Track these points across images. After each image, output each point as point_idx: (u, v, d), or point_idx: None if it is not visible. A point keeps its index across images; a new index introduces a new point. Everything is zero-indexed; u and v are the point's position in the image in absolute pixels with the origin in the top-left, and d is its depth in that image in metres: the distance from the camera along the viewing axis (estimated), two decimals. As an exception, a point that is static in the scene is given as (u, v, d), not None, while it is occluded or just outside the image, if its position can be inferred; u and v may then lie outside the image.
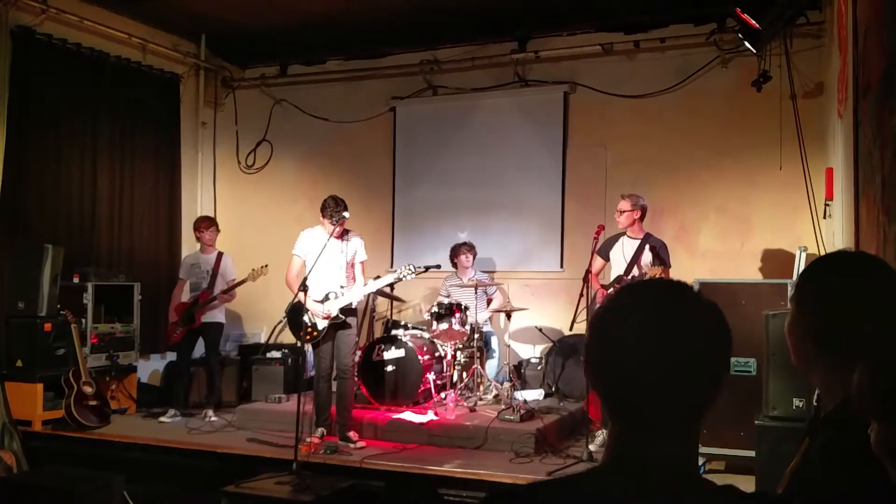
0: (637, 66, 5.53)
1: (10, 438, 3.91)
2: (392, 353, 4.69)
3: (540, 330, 5.49)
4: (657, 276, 3.84)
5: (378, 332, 5.42)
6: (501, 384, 4.91)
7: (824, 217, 4.18)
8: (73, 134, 5.39)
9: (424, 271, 4.54)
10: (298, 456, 3.57)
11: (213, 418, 4.79)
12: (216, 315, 5.11)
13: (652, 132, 5.41)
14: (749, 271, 5.06)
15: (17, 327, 4.70)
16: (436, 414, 4.39)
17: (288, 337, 5.28)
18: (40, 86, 5.10)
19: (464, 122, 5.97)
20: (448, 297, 5.26)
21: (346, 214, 4.09)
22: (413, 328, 5.13)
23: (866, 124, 2.47)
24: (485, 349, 5.09)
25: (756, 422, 3.04)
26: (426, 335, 4.95)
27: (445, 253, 5.49)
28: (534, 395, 4.86)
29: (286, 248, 4.34)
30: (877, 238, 2.22)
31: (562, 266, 5.63)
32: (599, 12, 5.37)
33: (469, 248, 5.38)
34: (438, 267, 5.11)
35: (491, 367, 5.28)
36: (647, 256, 4.21)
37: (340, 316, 4.10)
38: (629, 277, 4.19)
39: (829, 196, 3.98)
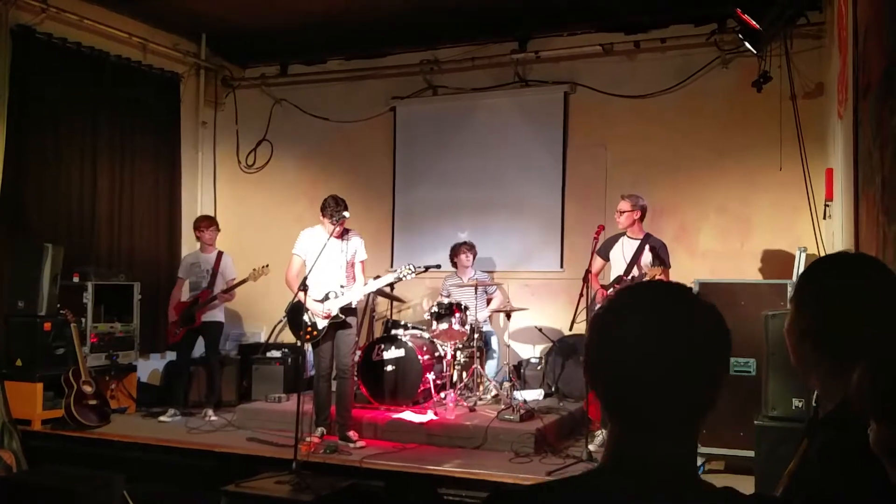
0: (637, 67, 5.53)
1: (9, 438, 3.91)
2: (392, 353, 4.70)
3: (540, 330, 5.49)
4: (657, 276, 3.85)
5: (378, 331, 5.42)
6: (501, 384, 4.91)
7: (824, 217, 4.18)
8: (73, 133, 5.39)
9: (424, 271, 4.55)
10: (298, 455, 3.57)
11: (213, 418, 4.79)
12: (216, 314, 5.11)
13: (652, 132, 5.41)
14: (749, 272, 5.07)
15: (17, 327, 4.70)
16: (435, 414, 4.39)
17: (288, 336, 5.28)
18: (40, 85, 5.10)
19: (464, 122, 5.97)
20: (448, 296, 5.26)
21: (346, 214, 4.09)
22: (413, 328, 5.14)
23: (866, 124, 2.47)
24: (485, 349, 5.09)
25: (755, 422, 3.04)
26: (426, 335, 4.95)
27: (445, 253, 5.49)
28: (533, 394, 4.86)
29: (286, 248, 4.34)
30: (876, 238, 2.22)
31: (562, 266, 5.63)
32: (599, 12, 5.37)
33: (469, 247, 5.38)
34: (438, 267, 5.12)
35: (491, 367, 5.28)
36: (646, 257, 4.21)
37: (340, 315, 4.10)
38: (629, 278, 4.19)
39: (829, 196, 3.98)
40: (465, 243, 5.41)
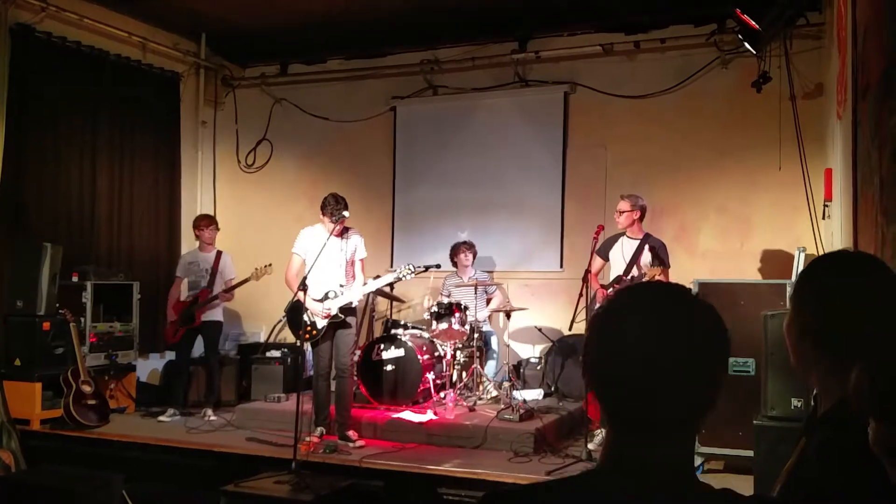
0: (637, 67, 5.53)
1: (8, 437, 3.91)
2: (391, 353, 4.70)
3: (539, 330, 5.49)
4: (656, 276, 3.85)
5: (378, 331, 5.42)
6: (501, 384, 4.91)
7: (823, 217, 4.18)
8: (73, 132, 5.38)
9: (424, 271, 4.55)
10: (297, 455, 3.57)
11: (213, 417, 4.79)
12: (215, 314, 5.11)
13: (652, 133, 5.42)
14: (748, 272, 5.07)
15: (16, 326, 4.69)
16: (435, 413, 4.39)
17: (288, 336, 5.28)
18: (40, 84, 5.10)
19: (464, 122, 5.97)
20: (448, 296, 5.26)
21: (346, 214, 4.09)
22: (413, 328, 5.14)
23: (865, 125, 2.48)
24: (484, 349, 5.09)
25: (755, 422, 3.05)
26: (426, 335, 4.95)
27: (445, 252, 5.49)
28: (533, 394, 4.86)
29: (286, 248, 4.34)
30: (875, 239, 2.23)
31: (561, 266, 5.64)
32: (600, 12, 5.37)
33: (468, 247, 5.38)
34: (438, 266, 5.12)
35: (490, 366, 5.28)
36: (646, 257, 4.21)
37: (340, 315, 4.10)
38: (629, 278, 4.19)
39: (828, 197, 3.99)
40: (464, 243, 5.41)
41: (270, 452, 3.96)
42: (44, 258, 4.68)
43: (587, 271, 4.12)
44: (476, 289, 5.13)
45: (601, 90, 5.55)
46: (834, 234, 3.75)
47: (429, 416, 4.36)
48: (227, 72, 6.66)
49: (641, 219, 4.31)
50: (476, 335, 4.82)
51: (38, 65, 5.06)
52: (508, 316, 5.12)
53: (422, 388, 4.64)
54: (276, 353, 5.40)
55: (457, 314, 4.78)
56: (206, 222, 5.24)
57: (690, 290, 0.83)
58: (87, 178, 5.46)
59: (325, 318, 4.10)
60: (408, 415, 4.41)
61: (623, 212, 4.27)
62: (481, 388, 4.89)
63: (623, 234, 4.33)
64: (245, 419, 4.64)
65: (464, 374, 5.01)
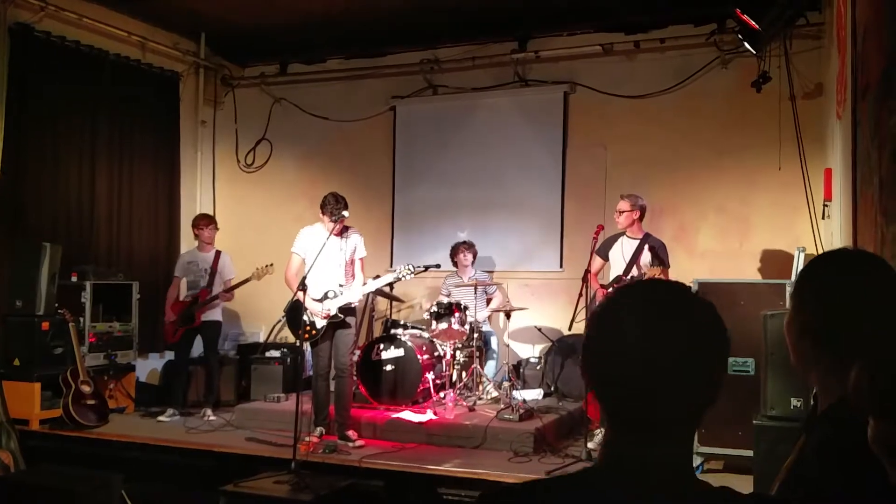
0: (637, 67, 5.53)
1: (7, 438, 3.90)
2: (391, 353, 4.69)
3: (539, 330, 5.49)
4: (656, 276, 3.85)
5: (377, 331, 5.42)
6: (500, 384, 4.91)
7: (823, 217, 4.19)
8: (72, 132, 5.38)
9: (424, 271, 4.55)
10: (297, 455, 3.57)
11: (212, 417, 4.79)
12: (214, 314, 5.10)
13: (651, 132, 5.42)
14: (748, 271, 5.07)
15: (15, 326, 4.69)
16: (435, 413, 4.39)
17: (287, 336, 5.28)
18: (39, 83, 5.09)
19: (464, 122, 5.97)
20: (448, 296, 5.26)
21: (345, 213, 4.09)
22: (412, 328, 5.13)
23: (865, 125, 2.47)
24: (484, 349, 5.09)
25: (754, 421, 3.05)
26: (425, 335, 4.95)
27: (445, 252, 5.49)
28: (533, 394, 4.86)
29: (285, 248, 4.33)
30: (874, 238, 2.23)
31: (561, 266, 5.64)
32: (599, 12, 5.37)
33: (468, 246, 5.38)
34: (438, 266, 5.12)
35: (490, 366, 5.28)
36: (646, 256, 4.21)
37: (339, 315, 4.10)
38: (628, 277, 4.19)
39: (828, 196, 3.99)
40: (464, 243, 5.41)
41: (270, 452, 3.96)
42: (43, 258, 4.68)
43: (587, 271, 4.12)
44: (476, 289, 5.13)
45: (601, 90, 5.55)
46: (833, 234, 3.75)
47: (428, 415, 4.36)
48: (226, 71, 6.66)
49: (641, 218, 4.32)
50: (476, 335, 4.82)
51: (38, 64, 5.06)
52: (508, 316, 5.12)
53: (421, 387, 4.64)
54: (275, 353, 5.40)
55: (456, 314, 4.78)
56: (205, 222, 5.23)
57: (690, 287, 0.83)
58: (86, 178, 5.46)
59: (325, 318, 4.10)
60: (407, 415, 4.41)
61: (623, 211, 4.27)
62: (481, 387, 4.89)
63: (623, 233, 4.33)
64: (244, 419, 4.64)
65: (463, 373, 5.01)
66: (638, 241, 4.26)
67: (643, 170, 5.34)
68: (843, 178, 3.24)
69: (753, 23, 4.17)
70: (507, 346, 5.44)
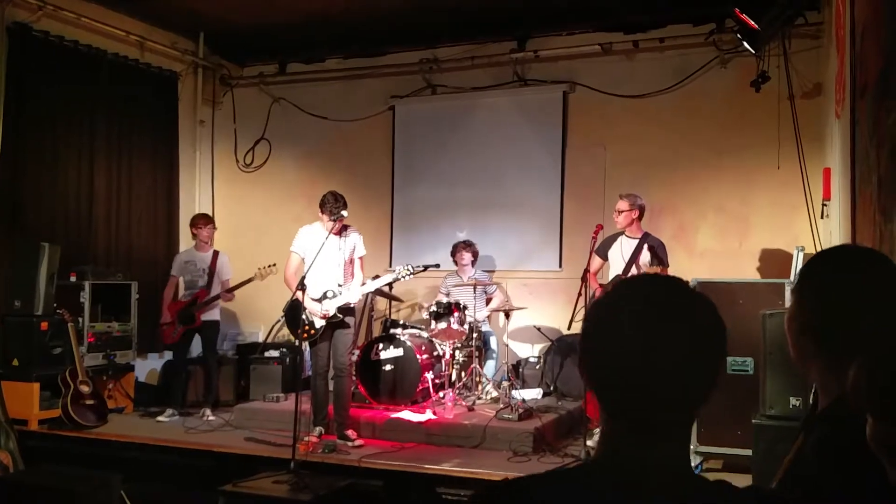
0: (636, 66, 5.53)
1: (6, 438, 3.89)
2: (390, 352, 4.69)
3: (538, 329, 5.49)
4: (655, 275, 3.84)
5: (377, 331, 5.42)
6: (500, 383, 4.91)
7: (822, 217, 4.19)
8: (70, 132, 5.37)
9: (423, 271, 4.54)
10: (296, 455, 3.57)
11: (211, 417, 4.78)
12: (213, 314, 5.10)
13: (651, 132, 5.42)
14: (747, 271, 5.07)
15: (14, 326, 4.68)
16: (434, 413, 4.39)
17: (287, 335, 5.27)
18: (37, 83, 5.08)
19: (463, 122, 5.96)
20: (448, 295, 5.26)
21: (344, 213, 4.08)
22: (412, 327, 5.13)
23: (863, 124, 2.48)
24: (483, 349, 5.09)
25: (753, 421, 3.05)
26: (425, 334, 4.95)
27: (444, 252, 5.49)
28: (532, 394, 4.86)
29: (284, 247, 4.33)
30: (873, 237, 2.23)
31: (560, 265, 5.64)
32: (599, 12, 5.37)
33: (467, 246, 5.37)
34: (437, 266, 5.11)
35: (490, 366, 5.28)
36: (645, 256, 4.21)
37: (338, 315, 4.10)
38: (627, 277, 4.19)
39: (827, 196, 3.99)
40: (463, 242, 5.40)
41: (269, 452, 3.96)
42: (42, 258, 4.67)
43: (586, 271, 4.12)
44: (475, 288, 5.13)
45: (600, 90, 5.55)
46: (832, 233, 3.75)
47: (428, 415, 4.36)
48: (225, 71, 6.65)
49: (640, 218, 4.32)
50: (475, 335, 4.82)
51: (36, 64, 5.05)
52: (508, 315, 5.12)
53: (421, 387, 4.64)
54: (274, 353, 5.40)
55: (456, 314, 4.78)
56: (203, 221, 5.23)
57: (688, 282, 0.82)
58: (84, 178, 5.45)
59: (323, 318, 4.09)
60: (407, 414, 4.41)
61: (622, 211, 4.28)
62: (480, 387, 4.89)
63: (622, 233, 4.34)
64: (243, 419, 4.64)
65: (463, 373, 5.00)
66: (637, 241, 4.26)
67: (642, 169, 5.34)
68: (842, 177, 3.24)
69: (752, 22, 4.17)
70: (507, 345, 5.44)
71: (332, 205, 4.06)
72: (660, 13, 5.30)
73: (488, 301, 5.41)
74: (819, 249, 4.13)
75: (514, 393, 4.69)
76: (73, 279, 4.99)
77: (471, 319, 4.86)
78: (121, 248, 5.70)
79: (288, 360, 5.33)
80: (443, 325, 4.76)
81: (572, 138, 5.70)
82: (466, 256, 5.34)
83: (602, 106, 5.56)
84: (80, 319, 4.85)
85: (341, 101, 6.29)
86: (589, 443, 3.86)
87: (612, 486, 0.76)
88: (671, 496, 0.75)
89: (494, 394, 4.80)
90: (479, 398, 4.78)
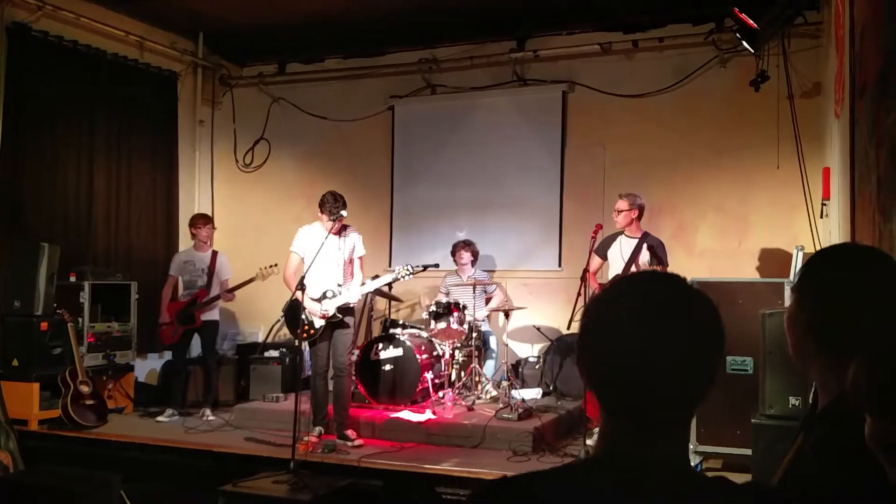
0: (635, 66, 5.53)
1: (6, 438, 3.89)
2: (390, 352, 4.69)
3: (538, 329, 5.49)
4: (655, 275, 3.84)
5: (376, 330, 5.42)
6: (499, 383, 4.91)
7: (821, 216, 4.19)
8: (70, 132, 5.37)
9: (422, 270, 4.54)
10: (296, 455, 3.57)
11: (211, 417, 4.78)
12: (212, 314, 5.10)
13: (650, 132, 5.42)
14: (746, 270, 5.08)
15: (14, 326, 4.68)
16: (434, 413, 4.39)
17: (287, 336, 5.27)
18: (36, 83, 5.08)
19: (462, 122, 5.96)
20: (447, 294, 5.26)
21: (343, 212, 4.08)
22: (411, 327, 5.13)
23: (862, 124, 2.48)
24: (483, 348, 5.09)
25: (753, 420, 3.05)
26: (424, 334, 4.95)
27: (444, 252, 5.49)
28: (532, 393, 4.86)
29: (284, 248, 4.33)
30: (872, 236, 2.23)
31: (560, 265, 5.64)
32: (599, 12, 5.37)
33: (466, 245, 5.37)
34: (437, 266, 5.11)
35: (489, 366, 5.28)
36: (644, 255, 4.22)
37: (337, 315, 4.10)
38: (627, 276, 4.19)
39: (826, 195, 3.99)
40: (463, 242, 5.40)
41: (269, 452, 3.96)
42: (41, 258, 4.67)
43: (585, 270, 4.13)
44: (475, 288, 5.13)
45: (599, 89, 5.55)
46: (832, 233, 3.75)
47: (427, 415, 4.36)
48: (224, 71, 6.65)
49: (640, 217, 4.32)
50: (474, 334, 4.82)
51: (35, 64, 5.05)
52: (507, 315, 5.12)
53: (420, 387, 4.64)
54: (274, 353, 5.40)
55: (455, 313, 4.78)
56: (202, 221, 5.23)
57: (685, 279, 0.82)
58: (84, 178, 5.45)
59: (323, 318, 4.09)
60: (406, 414, 4.41)
61: (621, 211, 4.28)
62: (480, 387, 4.89)
63: (621, 232, 4.34)
64: (243, 419, 4.64)
65: (462, 373, 5.01)
66: (636, 240, 4.26)
67: (642, 169, 5.34)
68: (842, 176, 3.24)
69: (752, 22, 4.17)
70: (506, 345, 5.44)
71: (331, 205, 4.06)
72: (659, 13, 5.30)
73: (488, 301, 5.41)
74: (818, 249, 4.13)
75: (514, 393, 4.69)
76: (72, 279, 4.99)
77: (470, 319, 4.86)
78: (120, 248, 5.70)
79: (288, 360, 5.33)
80: (442, 324, 4.76)
81: (572, 138, 5.70)
82: (466, 256, 5.34)
83: (601, 106, 5.56)
84: (80, 319, 4.85)
85: (341, 101, 6.29)
86: (588, 442, 3.86)
87: (611, 484, 0.76)
88: (671, 493, 0.75)
89: (494, 393, 4.80)
90: (479, 398, 4.79)
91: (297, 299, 3.98)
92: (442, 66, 5.96)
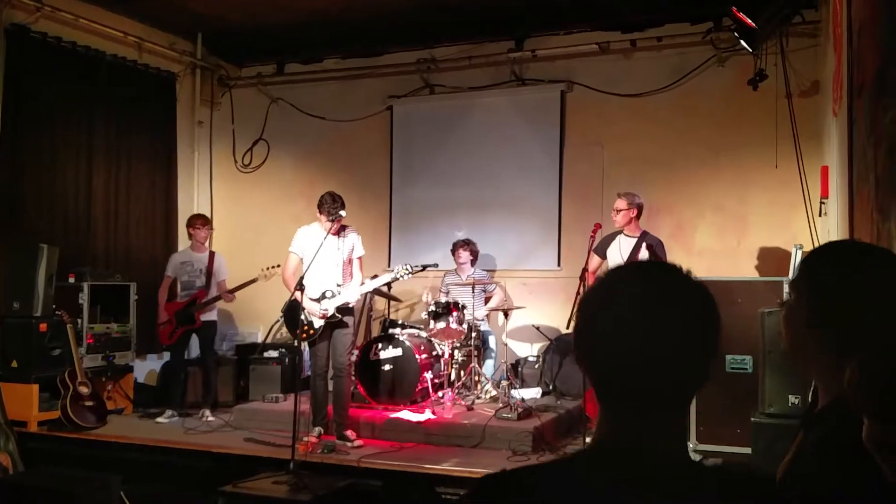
0: (634, 65, 5.53)
1: (5, 440, 3.89)
2: (389, 352, 4.69)
3: (537, 328, 5.49)
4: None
5: (375, 330, 5.42)
6: (499, 383, 4.91)
7: (820, 215, 4.20)
8: (69, 133, 5.36)
9: (421, 270, 4.54)
10: (296, 455, 3.57)
11: (210, 418, 4.78)
12: (211, 314, 5.11)
13: (648, 131, 5.42)
14: (745, 269, 5.08)
15: (13, 328, 4.68)
16: (433, 413, 4.39)
17: (286, 336, 5.27)
18: (35, 84, 5.08)
19: (461, 121, 5.97)
20: (447, 293, 5.26)
21: (342, 213, 4.08)
22: (410, 327, 5.13)
23: (860, 122, 2.48)
24: (482, 348, 5.09)
25: (752, 419, 3.05)
26: (424, 334, 4.95)
27: (442, 252, 5.49)
28: (531, 393, 4.86)
29: (283, 248, 4.33)
30: (871, 235, 2.23)
31: (559, 265, 5.64)
32: (597, 11, 5.37)
33: (465, 244, 5.37)
34: (436, 266, 5.11)
35: (489, 366, 5.28)
36: (643, 254, 4.22)
37: (337, 315, 4.10)
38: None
39: (825, 194, 4.00)
40: (462, 241, 5.40)
41: (268, 453, 3.96)
42: (40, 259, 4.67)
43: (585, 269, 4.13)
44: (474, 287, 5.13)
45: (598, 89, 5.55)
46: (830, 232, 3.76)
47: (427, 415, 4.36)
48: (223, 71, 6.64)
49: (638, 217, 4.33)
50: (474, 334, 4.82)
51: (34, 65, 5.04)
52: (507, 315, 5.12)
53: (420, 387, 4.64)
54: (273, 354, 5.39)
55: (454, 313, 4.78)
56: (201, 222, 5.23)
57: (682, 268, 0.81)
58: (83, 179, 5.45)
59: (322, 318, 4.09)
60: (406, 414, 4.41)
61: (620, 210, 4.28)
62: (479, 386, 4.89)
63: (620, 232, 4.34)
64: (243, 420, 4.64)
65: (462, 373, 5.01)
66: (635, 240, 4.27)
67: (640, 168, 5.34)
68: (840, 175, 3.25)
69: (750, 21, 4.17)
70: (506, 344, 5.44)
71: (329, 205, 4.06)
72: (657, 12, 5.31)
73: (487, 300, 5.41)
74: (817, 245, 4.13)
75: (514, 392, 4.69)
76: (71, 280, 4.98)
77: (469, 319, 4.86)
78: (119, 249, 5.70)
79: (287, 360, 5.33)
80: (441, 324, 4.76)
81: (570, 137, 5.70)
82: (464, 255, 5.34)
83: (600, 105, 5.56)
84: (79, 320, 4.85)
85: (339, 102, 6.29)
86: (588, 441, 3.86)
87: (610, 473, 0.76)
88: (668, 480, 0.75)
89: (493, 393, 4.80)
90: (479, 397, 4.79)
91: (296, 300, 3.98)
92: (440, 65, 5.96)
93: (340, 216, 4.08)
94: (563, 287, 5.35)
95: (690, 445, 3.74)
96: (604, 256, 4.37)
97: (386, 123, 6.20)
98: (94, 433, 4.43)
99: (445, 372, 4.86)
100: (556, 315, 5.31)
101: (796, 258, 4.16)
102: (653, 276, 0.81)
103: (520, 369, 5.33)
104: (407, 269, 4.26)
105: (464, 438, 4.12)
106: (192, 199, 6.46)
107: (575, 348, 0.82)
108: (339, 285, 4.14)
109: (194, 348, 5.25)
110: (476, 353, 4.87)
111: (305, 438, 3.96)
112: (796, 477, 0.98)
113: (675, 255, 4.78)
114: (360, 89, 6.27)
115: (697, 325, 0.78)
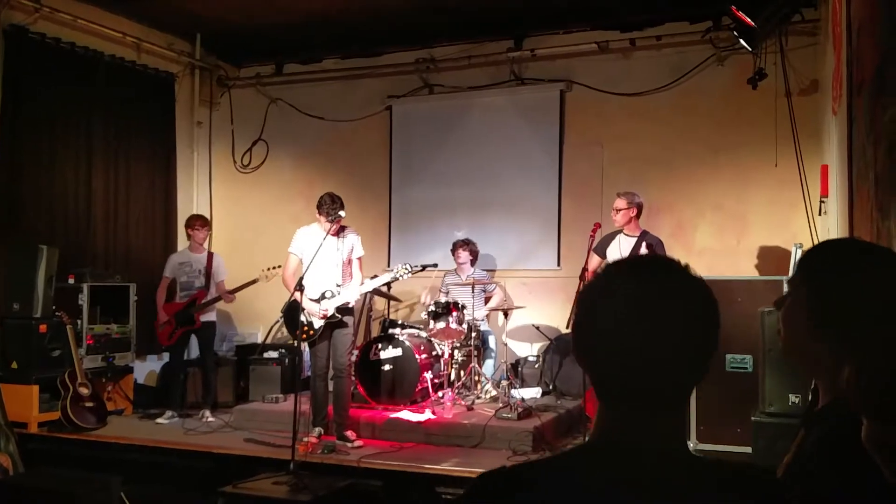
0: (633, 65, 5.53)
1: (5, 441, 3.88)
2: (389, 352, 4.69)
3: (537, 328, 5.49)
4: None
5: (375, 331, 5.41)
6: (499, 382, 4.91)
7: (819, 213, 4.19)
8: (68, 134, 5.36)
9: (421, 270, 4.54)
10: (296, 456, 3.57)
11: (210, 419, 4.78)
12: (210, 315, 5.11)
13: (648, 130, 5.42)
14: (745, 268, 5.08)
15: (12, 329, 4.68)
16: (433, 413, 4.39)
17: (286, 336, 5.27)
18: (34, 85, 5.07)
19: (460, 121, 5.96)
20: (447, 293, 5.26)
21: (341, 213, 4.08)
22: (410, 327, 5.13)
23: (860, 121, 2.48)
24: (482, 348, 5.09)
25: (752, 418, 3.05)
26: (423, 334, 4.95)
27: (442, 252, 5.49)
28: (531, 393, 4.86)
29: (282, 248, 4.33)
30: (870, 234, 2.23)
31: (559, 264, 5.64)
32: (596, 11, 5.37)
33: (465, 244, 5.36)
34: (435, 266, 5.11)
35: (489, 366, 5.28)
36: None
37: (337, 315, 4.10)
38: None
39: (824, 193, 4.00)
40: (462, 241, 5.40)
41: (268, 453, 3.96)
42: (40, 260, 4.66)
43: (584, 269, 4.13)
44: (473, 287, 5.13)
45: (597, 88, 5.55)
46: (830, 230, 3.76)
47: (427, 415, 4.36)
48: (222, 72, 6.64)
49: (638, 216, 4.33)
50: (474, 334, 4.82)
51: (32, 66, 5.04)
52: (507, 315, 5.12)
53: (420, 387, 4.64)
54: (273, 354, 5.39)
55: (454, 313, 4.78)
56: (200, 222, 5.23)
57: (680, 261, 0.81)
58: (82, 180, 5.44)
59: (322, 318, 4.09)
60: (406, 414, 4.41)
61: (620, 209, 4.28)
62: (479, 386, 4.89)
63: (620, 231, 4.34)
64: (243, 420, 4.64)
65: (462, 373, 5.01)
66: (635, 239, 4.27)
67: (640, 168, 5.34)
68: (840, 174, 3.24)
69: (749, 20, 4.17)
70: (506, 344, 5.44)
71: (328, 206, 4.06)
72: (657, 11, 5.31)
73: (487, 300, 5.41)
74: (817, 243, 4.13)
75: (514, 392, 4.69)
76: (71, 281, 4.98)
77: (469, 318, 4.86)
78: (119, 250, 5.69)
79: (287, 360, 5.33)
80: (441, 324, 4.76)
81: (569, 137, 5.70)
82: (464, 255, 5.33)
83: (599, 104, 5.56)
84: (79, 321, 4.85)
85: (338, 102, 6.28)
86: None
87: (609, 468, 0.75)
88: (664, 466, 0.75)
89: (493, 393, 4.80)
90: (479, 397, 4.79)
91: (296, 300, 3.97)
92: (439, 65, 5.96)
93: (340, 217, 4.07)
94: (562, 287, 5.35)
95: (690, 445, 3.73)
96: (604, 256, 4.37)
97: (385, 123, 6.19)
98: (94, 434, 4.43)
99: (445, 372, 4.86)
100: (556, 315, 5.31)
101: (796, 257, 4.16)
102: (652, 274, 0.80)
103: (520, 369, 5.33)
104: (406, 269, 4.26)
105: (464, 438, 4.12)
106: (191, 199, 6.46)
107: (574, 345, 0.82)
108: (338, 285, 4.14)
109: (194, 349, 5.25)
110: (476, 353, 4.87)
111: (305, 439, 3.96)
112: (796, 476, 0.98)
113: (675, 255, 4.64)
114: (359, 89, 6.27)
115: (697, 324, 0.77)
